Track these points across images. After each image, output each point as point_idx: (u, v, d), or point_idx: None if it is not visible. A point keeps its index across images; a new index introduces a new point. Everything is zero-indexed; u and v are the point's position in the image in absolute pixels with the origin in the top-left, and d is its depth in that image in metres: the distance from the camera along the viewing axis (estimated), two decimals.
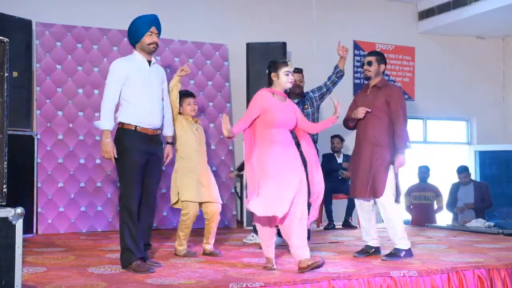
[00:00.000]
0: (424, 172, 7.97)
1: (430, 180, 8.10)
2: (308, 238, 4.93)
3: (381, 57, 4.64)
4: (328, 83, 5.25)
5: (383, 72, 4.64)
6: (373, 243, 4.58)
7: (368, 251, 4.55)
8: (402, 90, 4.68)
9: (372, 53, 4.73)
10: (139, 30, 4.02)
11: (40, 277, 3.58)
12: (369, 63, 4.57)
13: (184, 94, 4.75)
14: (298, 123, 4.10)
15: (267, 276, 3.62)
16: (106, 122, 3.91)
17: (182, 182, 4.56)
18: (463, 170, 7.85)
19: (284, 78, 3.98)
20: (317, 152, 4.35)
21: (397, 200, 4.46)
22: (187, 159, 4.61)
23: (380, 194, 4.38)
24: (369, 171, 4.42)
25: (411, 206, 8.00)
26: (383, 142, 4.43)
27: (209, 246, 4.66)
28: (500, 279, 3.97)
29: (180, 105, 4.68)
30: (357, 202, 4.64)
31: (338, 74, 5.17)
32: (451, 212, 7.94)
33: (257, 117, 3.97)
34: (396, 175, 4.45)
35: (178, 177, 4.59)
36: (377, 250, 4.57)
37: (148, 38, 4.01)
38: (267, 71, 4.12)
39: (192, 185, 4.54)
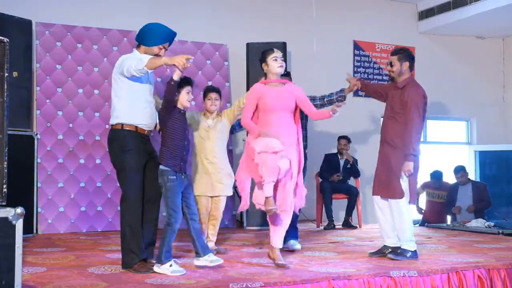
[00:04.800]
0: (437, 177, 7.97)
1: (445, 179, 8.15)
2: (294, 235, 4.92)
3: (403, 55, 4.49)
4: (325, 100, 5.09)
5: (410, 68, 4.49)
6: (390, 242, 4.53)
7: (384, 252, 4.50)
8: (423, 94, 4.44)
9: (393, 52, 4.60)
10: (155, 39, 4.05)
11: (40, 277, 3.59)
12: (390, 64, 4.50)
13: (209, 89, 4.93)
14: (298, 104, 4.19)
15: (267, 276, 3.62)
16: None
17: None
18: (459, 170, 7.86)
19: (272, 64, 4.16)
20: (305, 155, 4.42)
21: (411, 202, 4.44)
22: None
23: (399, 196, 4.35)
24: (387, 173, 4.43)
25: (425, 201, 8.03)
26: (399, 145, 4.38)
27: (211, 244, 4.69)
28: (500, 279, 3.98)
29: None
30: (375, 199, 4.58)
31: (340, 97, 5.01)
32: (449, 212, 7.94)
33: (256, 108, 4.17)
34: (411, 178, 4.37)
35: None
36: (394, 250, 4.48)
37: (157, 50, 4.06)
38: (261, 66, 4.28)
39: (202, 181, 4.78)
